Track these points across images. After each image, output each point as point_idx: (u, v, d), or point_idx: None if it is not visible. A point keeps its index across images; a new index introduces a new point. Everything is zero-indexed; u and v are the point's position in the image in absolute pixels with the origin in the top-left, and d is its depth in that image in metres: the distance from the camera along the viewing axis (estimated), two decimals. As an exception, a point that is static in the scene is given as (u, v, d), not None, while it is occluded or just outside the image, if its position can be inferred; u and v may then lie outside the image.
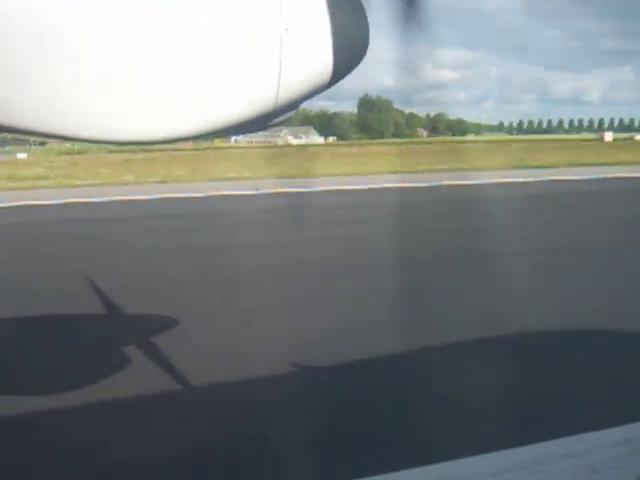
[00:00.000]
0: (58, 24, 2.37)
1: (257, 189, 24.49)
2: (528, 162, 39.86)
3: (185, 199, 23.61)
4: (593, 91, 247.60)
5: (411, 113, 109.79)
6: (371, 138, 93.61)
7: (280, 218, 16.34)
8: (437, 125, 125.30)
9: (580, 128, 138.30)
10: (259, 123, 2.91)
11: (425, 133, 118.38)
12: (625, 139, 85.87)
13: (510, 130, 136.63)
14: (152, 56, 2.50)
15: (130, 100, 2.51)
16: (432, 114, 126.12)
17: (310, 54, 2.76)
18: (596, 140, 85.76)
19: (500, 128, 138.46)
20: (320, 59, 2.79)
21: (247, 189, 24.94)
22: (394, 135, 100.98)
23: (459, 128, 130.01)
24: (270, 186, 24.23)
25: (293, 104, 2.90)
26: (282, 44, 2.65)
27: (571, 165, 37.23)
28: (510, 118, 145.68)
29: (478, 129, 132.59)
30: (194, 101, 2.61)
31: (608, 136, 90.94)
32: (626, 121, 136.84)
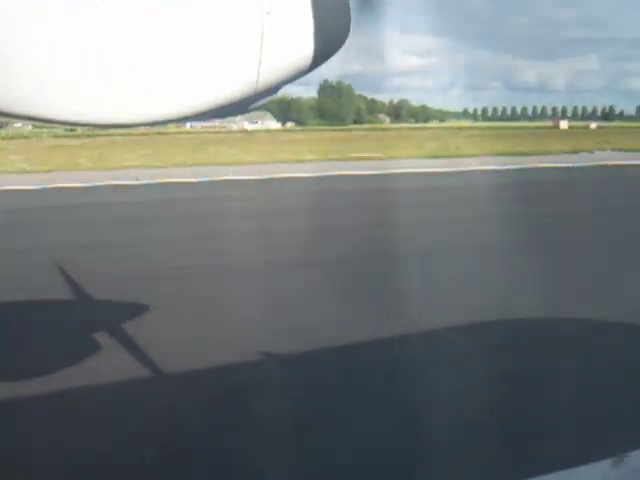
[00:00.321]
0: (37, 6, 2.33)
1: (137, 179, 24.56)
2: (451, 151, 39.55)
3: (39, 190, 22.70)
4: (558, 79, 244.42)
5: (373, 99, 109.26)
6: (330, 124, 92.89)
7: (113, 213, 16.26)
8: (400, 112, 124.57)
9: (544, 116, 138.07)
10: (240, 107, 2.91)
11: (388, 120, 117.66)
12: (582, 127, 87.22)
13: (475, 117, 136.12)
14: (133, 40, 2.46)
15: (111, 83, 2.47)
16: (395, 100, 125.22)
17: (291, 38, 2.74)
18: (552, 128, 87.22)
19: (465, 115, 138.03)
20: (301, 43, 2.77)
21: (130, 179, 24.86)
22: (355, 122, 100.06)
23: (422, 115, 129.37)
24: (158, 176, 24.10)
25: (274, 88, 2.91)
26: (263, 28, 2.62)
27: (499, 154, 36.77)
28: (478, 105, 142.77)
29: (443, 116, 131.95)
30: (175, 84, 2.58)
31: (563, 124, 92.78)
32: (589, 109, 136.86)
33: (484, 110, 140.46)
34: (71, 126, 2.72)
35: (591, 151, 39.86)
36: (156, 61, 2.53)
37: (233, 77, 2.69)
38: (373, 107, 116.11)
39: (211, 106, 2.70)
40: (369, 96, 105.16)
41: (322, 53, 2.87)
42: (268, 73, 2.72)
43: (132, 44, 2.47)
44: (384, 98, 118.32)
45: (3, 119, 2.76)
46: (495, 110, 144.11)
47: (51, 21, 2.33)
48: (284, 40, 2.72)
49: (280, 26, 2.68)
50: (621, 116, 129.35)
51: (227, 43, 2.62)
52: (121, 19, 2.43)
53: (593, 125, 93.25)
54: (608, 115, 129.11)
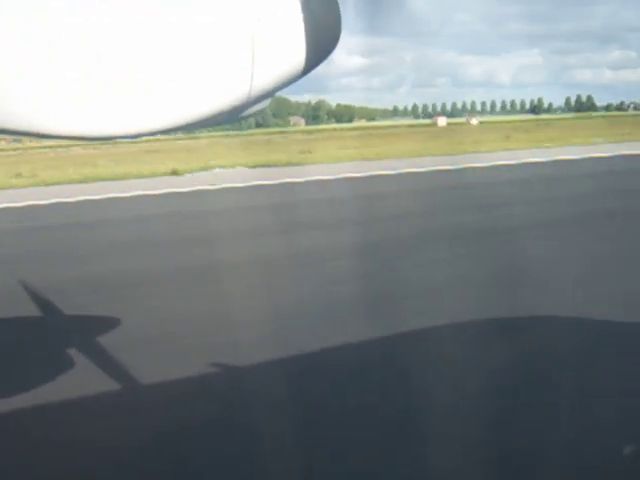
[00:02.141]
0: (30, 18, 2.36)
1: None
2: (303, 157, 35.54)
3: None
4: (503, 74, 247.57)
5: (281, 99, 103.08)
6: (224, 129, 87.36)
7: None
8: (318, 113, 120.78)
9: (493, 111, 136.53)
10: (232, 114, 2.91)
11: (302, 121, 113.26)
12: (461, 124, 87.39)
13: (416, 114, 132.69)
14: (124, 49, 2.46)
15: (102, 94, 2.47)
16: (313, 101, 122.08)
17: (283, 44, 2.78)
18: (431, 125, 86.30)
19: (395, 113, 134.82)
20: (293, 49, 2.81)
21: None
22: (258, 125, 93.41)
23: (346, 114, 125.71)
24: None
25: (267, 94, 2.92)
26: (255, 35, 2.66)
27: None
28: (426, 102, 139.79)
29: (373, 114, 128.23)
30: (165, 94, 2.59)
31: (442, 121, 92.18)
32: (535, 102, 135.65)
33: (425, 107, 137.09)
34: (65, 139, 2.66)
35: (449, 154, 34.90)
36: (147, 71, 2.51)
37: (226, 85, 2.69)
38: (281, 109, 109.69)
39: (205, 115, 2.70)
40: (284, 96, 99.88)
41: (314, 57, 2.91)
42: (261, 80, 2.73)
43: (123, 55, 2.45)
44: (302, 99, 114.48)
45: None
46: (434, 106, 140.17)
47: (47, 34, 2.36)
48: (276, 46, 2.73)
49: (272, 32, 2.70)
50: (550, 109, 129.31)
51: (219, 51, 2.62)
52: (113, 31, 2.42)
53: (474, 121, 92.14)
54: (536, 108, 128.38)
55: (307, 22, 2.76)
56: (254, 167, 30.32)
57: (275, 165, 30.78)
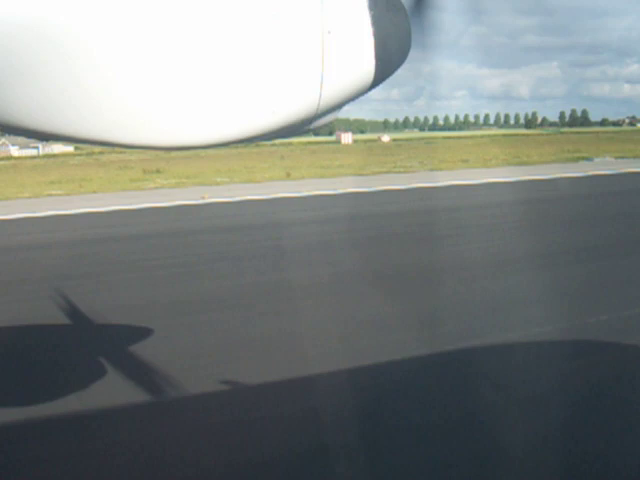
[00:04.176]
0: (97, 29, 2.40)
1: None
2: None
3: None
4: (522, 87, 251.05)
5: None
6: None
7: None
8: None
9: (507, 124, 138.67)
10: (301, 126, 2.97)
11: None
12: (407, 140, 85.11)
13: (407, 127, 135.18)
14: (197, 60, 2.52)
15: (174, 104, 2.54)
16: None
17: (352, 57, 2.82)
18: (334, 142, 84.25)
19: (386, 125, 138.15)
20: (362, 61, 2.85)
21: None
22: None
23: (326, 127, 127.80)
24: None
25: (335, 107, 2.96)
26: (324, 47, 2.71)
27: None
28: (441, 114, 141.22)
29: (364, 126, 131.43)
30: (236, 105, 2.65)
31: (385, 138, 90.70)
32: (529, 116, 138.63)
33: (425, 119, 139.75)
34: (135, 148, 2.72)
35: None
36: (220, 82, 2.57)
37: (296, 97, 2.75)
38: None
39: (274, 127, 2.76)
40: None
41: (384, 70, 2.97)
42: (330, 92, 2.80)
43: (197, 66, 2.51)
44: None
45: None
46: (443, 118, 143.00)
47: (115, 46, 2.41)
48: (345, 59, 2.80)
49: (341, 45, 2.76)
50: (543, 123, 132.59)
51: (289, 63, 2.68)
52: (186, 41, 2.49)
53: (386, 138, 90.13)
54: (529, 122, 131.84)
55: (377, 35, 2.81)
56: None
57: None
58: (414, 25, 3.12)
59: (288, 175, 35.95)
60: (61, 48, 2.38)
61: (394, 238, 16.21)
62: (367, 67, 2.87)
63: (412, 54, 3.11)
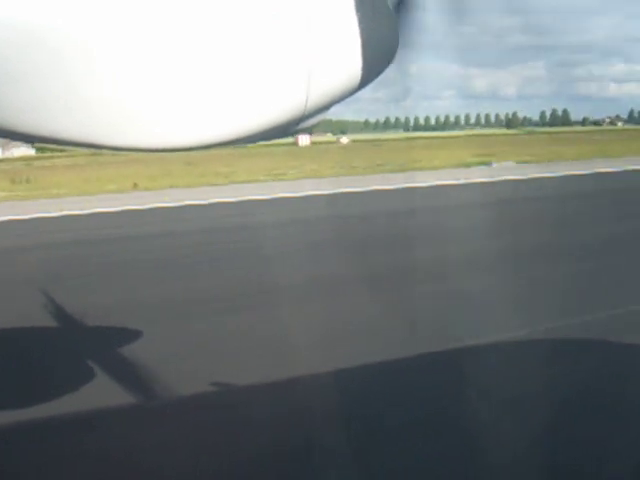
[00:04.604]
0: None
1: None
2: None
3: None
4: (509, 86, 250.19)
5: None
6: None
7: None
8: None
9: (496, 123, 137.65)
10: (287, 129, 2.96)
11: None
12: (331, 142, 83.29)
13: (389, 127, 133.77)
14: (180, 61, 2.47)
15: (157, 106, 2.51)
16: None
17: (339, 57, 2.80)
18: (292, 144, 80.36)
19: (366, 125, 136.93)
20: (349, 62, 2.83)
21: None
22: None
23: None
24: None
25: (322, 108, 2.96)
26: (311, 48, 2.69)
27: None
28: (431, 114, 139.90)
29: (345, 127, 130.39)
30: (221, 108, 2.62)
31: (344, 140, 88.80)
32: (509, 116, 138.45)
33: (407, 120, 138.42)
34: (118, 150, 2.64)
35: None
36: (204, 84, 2.53)
37: (282, 99, 2.73)
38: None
39: (261, 129, 2.75)
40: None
41: (371, 70, 2.95)
42: (317, 94, 2.78)
43: (180, 67, 2.47)
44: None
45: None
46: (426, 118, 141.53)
47: (102, 43, 2.37)
48: (332, 59, 2.78)
49: (328, 45, 2.74)
50: (525, 122, 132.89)
51: (275, 64, 2.64)
52: (169, 42, 2.45)
53: (344, 140, 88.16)
54: (510, 122, 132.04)
55: (364, 36, 2.78)
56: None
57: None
58: (400, 26, 3.11)
59: (135, 186, 34.91)
60: (45, 47, 2.33)
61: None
62: (354, 68, 2.85)
63: (399, 55, 3.07)
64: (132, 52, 2.42)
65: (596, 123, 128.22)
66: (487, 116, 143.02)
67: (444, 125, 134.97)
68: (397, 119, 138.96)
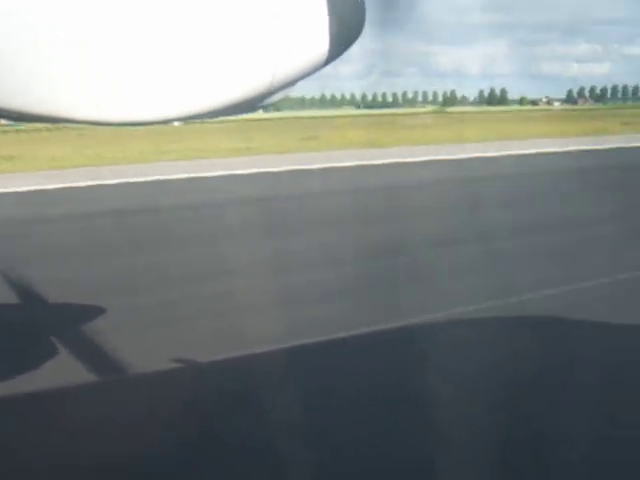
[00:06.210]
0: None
1: None
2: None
3: None
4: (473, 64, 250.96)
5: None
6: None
7: None
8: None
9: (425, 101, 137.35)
10: (253, 103, 3.00)
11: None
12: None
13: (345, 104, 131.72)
14: (145, 36, 2.50)
15: (122, 81, 2.52)
16: None
17: (306, 33, 2.84)
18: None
19: (333, 102, 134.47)
20: (316, 38, 2.86)
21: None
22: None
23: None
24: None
25: (288, 84, 2.97)
26: (278, 23, 2.72)
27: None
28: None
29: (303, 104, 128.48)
30: (188, 82, 2.64)
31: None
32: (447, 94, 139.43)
33: (364, 96, 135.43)
34: (87, 124, 2.74)
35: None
36: (169, 59, 2.56)
37: (248, 74, 2.77)
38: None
39: (226, 103, 2.78)
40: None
41: (337, 47, 2.99)
42: (284, 69, 2.81)
43: (144, 42, 2.50)
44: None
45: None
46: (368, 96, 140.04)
47: (71, 17, 2.39)
48: (299, 35, 2.82)
49: (295, 21, 2.78)
50: (463, 102, 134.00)
51: (241, 39, 2.69)
52: (135, 18, 2.46)
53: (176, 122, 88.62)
54: (448, 101, 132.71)
55: (331, 12, 2.80)
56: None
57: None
58: (367, 2, 3.11)
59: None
60: (10, 21, 2.35)
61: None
62: (321, 44, 2.89)
63: (365, 31, 3.13)
64: (99, 27, 2.42)
65: (533, 102, 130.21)
66: (424, 94, 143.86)
67: (402, 103, 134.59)
68: (352, 95, 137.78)
